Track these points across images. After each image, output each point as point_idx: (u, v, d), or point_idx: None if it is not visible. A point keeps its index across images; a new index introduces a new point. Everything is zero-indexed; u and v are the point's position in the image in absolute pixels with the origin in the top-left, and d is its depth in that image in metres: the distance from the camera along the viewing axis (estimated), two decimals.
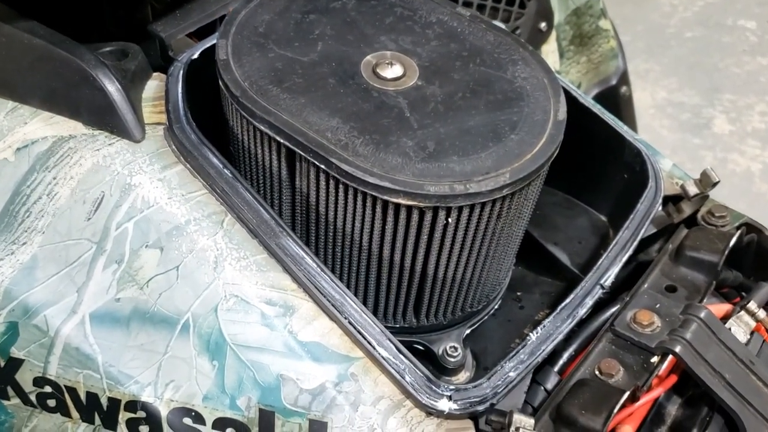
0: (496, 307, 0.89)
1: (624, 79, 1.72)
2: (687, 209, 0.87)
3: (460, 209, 0.69)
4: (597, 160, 0.93)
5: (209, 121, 0.82)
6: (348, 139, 0.70)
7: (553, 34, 1.63)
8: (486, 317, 0.88)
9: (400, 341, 0.83)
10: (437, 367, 0.84)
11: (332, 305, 0.70)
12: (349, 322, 0.69)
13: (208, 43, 0.85)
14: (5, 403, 0.83)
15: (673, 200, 0.89)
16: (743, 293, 0.87)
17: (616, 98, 1.71)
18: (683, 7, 3.65)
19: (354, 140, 0.70)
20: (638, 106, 3.37)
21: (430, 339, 0.84)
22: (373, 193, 0.68)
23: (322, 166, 0.70)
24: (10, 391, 0.82)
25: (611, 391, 0.68)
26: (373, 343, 0.69)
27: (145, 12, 0.98)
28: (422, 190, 0.67)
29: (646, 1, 3.64)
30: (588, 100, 0.92)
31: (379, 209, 0.70)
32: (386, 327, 0.82)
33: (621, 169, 0.91)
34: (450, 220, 0.70)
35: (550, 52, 1.63)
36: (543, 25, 1.59)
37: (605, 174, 0.93)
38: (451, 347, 0.83)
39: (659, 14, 3.63)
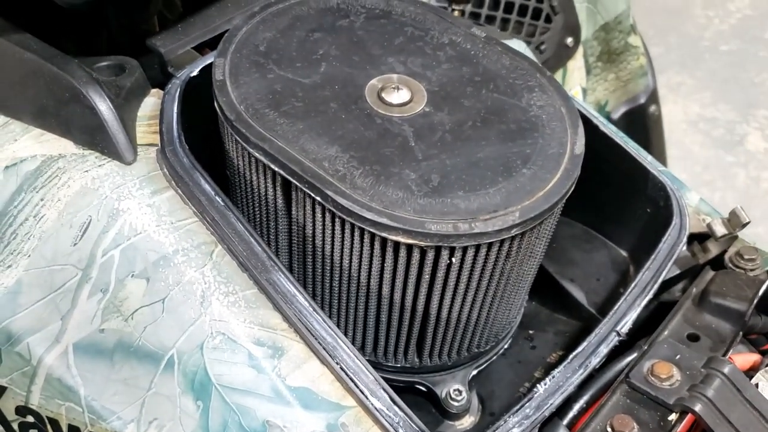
0: (505, 346, 0.84)
1: (653, 97, 1.66)
2: (714, 249, 0.81)
3: (464, 249, 0.64)
4: (618, 192, 0.87)
5: (209, 142, 0.78)
6: (346, 170, 0.65)
7: (580, 50, 1.57)
8: (495, 357, 0.83)
9: (401, 381, 0.79)
10: (440, 410, 0.79)
11: (323, 348, 0.65)
12: (341, 368, 0.64)
13: (208, 59, 0.81)
14: None
15: (698, 238, 0.83)
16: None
17: (644, 117, 1.65)
18: (719, 19, 3.56)
19: (353, 171, 0.65)
20: (669, 121, 3.29)
21: (434, 380, 0.79)
22: (371, 230, 0.64)
23: (318, 198, 0.65)
24: None
25: None
26: (366, 392, 0.64)
27: (151, 23, 0.95)
28: (423, 228, 0.62)
29: (681, 11, 3.55)
30: (610, 128, 0.86)
31: (377, 246, 0.65)
32: (387, 366, 0.78)
33: (644, 202, 0.85)
34: (453, 260, 0.65)
35: (576, 68, 1.57)
36: (570, 40, 1.53)
37: (627, 207, 0.87)
38: (455, 390, 0.78)
39: (694, 26, 3.55)
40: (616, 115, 1.64)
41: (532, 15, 1.49)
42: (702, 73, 3.29)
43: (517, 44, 1.05)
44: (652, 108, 1.66)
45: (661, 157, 1.67)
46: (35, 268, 0.75)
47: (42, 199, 0.75)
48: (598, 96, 1.63)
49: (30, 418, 0.76)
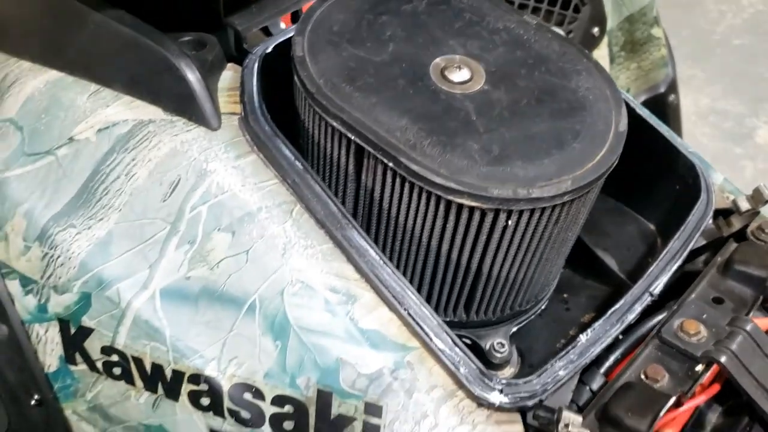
0: (543, 307, 0.92)
1: (673, 87, 1.73)
2: (737, 224, 0.89)
3: (520, 213, 0.72)
4: (651, 170, 0.95)
5: (278, 114, 0.85)
6: (416, 140, 0.73)
7: (605, 40, 1.64)
8: (533, 316, 0.91)
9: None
10: (483, 361, 0.87)
11: (393, 296, 0.74)
12: (408, 314, 0.73)
13: (281, 37, 0.89)
14: (72, 368, 0.88)
15: (723, 214, 0.91)
16: None
17: (664, 106, 1.72)
18: (732, 13, 3.62)
19: (422, 141, 0.73)
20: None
21: (479, 334, 0.87)
22: (438, 193, 0.72)
23: (390, 164, 0.73)
24: (78, 357, 0.87)
25: (657, 395, 0.71)
26: (431, 334, 0.72)
27: (217, 3, 1.02)
28: (486, 192, 0.70)
29: (694, 5, 3.61)
30: (645, 112, 0.94)
31: (442, 208, 0.73)
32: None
33: (674, 180, 0.93)
34: (510, 222, 0.73)
35: (601, 57, 1.64)
36: (596, 30, 1.61)
37: (658, 185, 0.95)
38: (498, 343, 0.86)
39: (706, 20, 3.60)
40: (644, 108, 1.72)
41: (562, 5, 1.56)
42: (713, 66, 3.35)
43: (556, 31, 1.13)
44: (672, 97, 1.73)
45: None
46: (126, 221, 0.83)
47: (133, 159, 0.83)
48: (621, 84, 1.71)
49: (115, 357, 0.84)
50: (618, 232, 0.98)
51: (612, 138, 0.76)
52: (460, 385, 0.72)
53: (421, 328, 0.72)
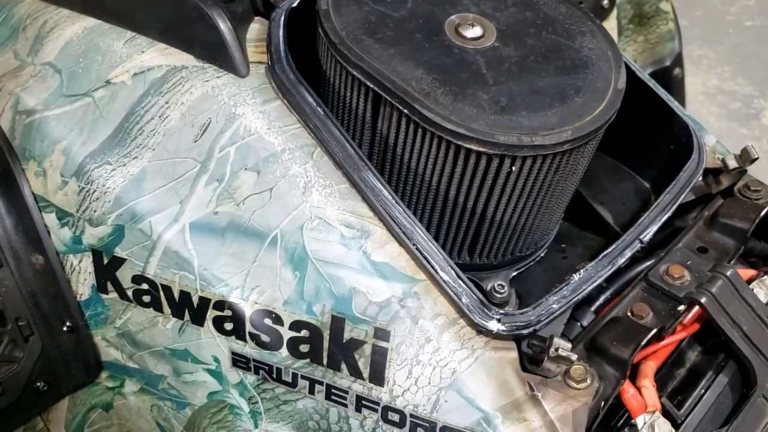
0: (542, 255, 0.99)
1: (678, 61, 1.78)
2: (725, 181, 0.95)
3: (524, 159, 0.79)
4: (647, 130, 1.01)
5: (302, 65, 0.92)
6: (430, 89, 0.80)
7: (614, 12, 1.70)
8: (532, 263, 0.98)
9: None
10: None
11: (402, 232, 0.80)
12: (417, 248, 0.80)
13: None
14: (103, 296, 0.95)
15: (713, 173, 0.97)
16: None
17: (668, 79, 1.78)
18: None
19: (435, 90, 0.80)
20: (688, 92, 3.39)
21: (481, 276, 0.94)
22: (449, 138, 0.78)
23: (405, 111, 0.79)
24: (110, 286, 0.94)
25: (640, 328, 0.78)
26: (436, 267, 0.79)
27: None
28: (493, 138, 0.77)
29: None
30: (644, 75, 1.00)
31: (451, 153, 0.80)
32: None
33: (668, 140, 0.99)
34: (514, 168, 0.80)
35: (609, 29, 1.69)
36: (605, 2, 1.66)
37: (653, 144, 1.01)
38: (498, 285, 0.93)
39: (720, 1, 3.62)
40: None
41: None
42: (724, 47, 3.37)
43: None
44: (676, 71, 1.78)
45: None
46: (158, 159, 0.90)
47: (167, 102, 0.90)
48: (627, 56, 1.76)
49: (144, 286, 0.91)
50: (615, 188, 1.04)
51: (611, 94, 0.82)
52: (462, 313, 0.79)
53: (428, 261, 0.79)
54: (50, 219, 0.96)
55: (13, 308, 0.95)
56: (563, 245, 1.03)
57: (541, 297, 0.96)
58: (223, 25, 0.88)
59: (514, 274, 0.96)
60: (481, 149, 0.78)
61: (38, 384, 1.04)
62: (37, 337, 1.02)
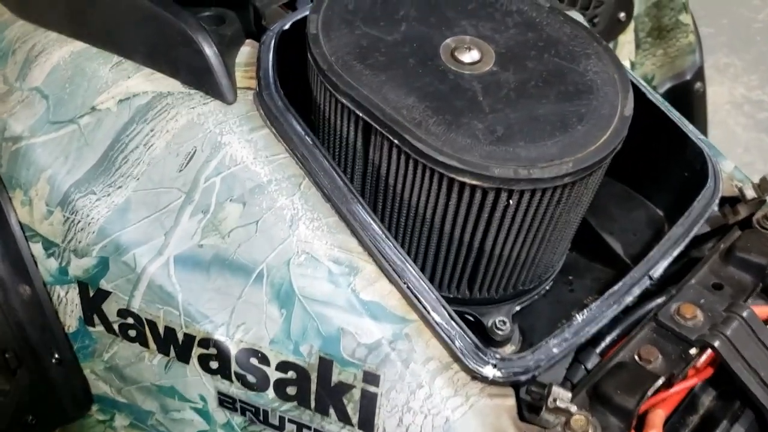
0: (547, 287, 0.94)
1: (699, 75, 1.72)
2: (743, 212, 0.89)
3: (521, 193, 0.74)
4: (659, 155, 0.95)
5: (294, 89, 0.88)
6: (422, 118, 0.75)
7: (631, 25, 1.64)
8: (536, 297, 0.93)
9: (453, 310, 0.90)
10: (485, 338, 0.89)
11: (393, 270, 0.76)
12: (408, 287, 0.75)
13: (299, 15, 0.91)
14: (90, 329, 0.92)
15: (730, 202, 0.92)
16: None
17: (689, 94, 1.71)
18: None
19: (428, 119, 0.75)
20: (714, 102, 3.30)
21: (481, 311, 0.89)
22: (441, 171, 0.74)
23: (396, 141, 0.75)
24: (96, 319, 0.91)
25: (647, 375, 0.72)
26: (428, 308, 0.74)
27: None
28: (487, 171, 0.72)
29: None
30: (656, 97, 0.95)
31: (444, 186, 0.75)
32: (441, 296, 0.88)
33: (682, 166, 0.93)
34: (511, 202, 0.75)
35: (626, 42, 1.64)
36: (622, 15, 1.60)
37: (666, 170, 0.96)
38: (500, 321, 0.88)
39: (747, 8, 3.54)
40: (661, 90, 1.71)
41: None
42: (751, 56, 3.29)
43: (575, 15, 1.13)
44: (698, 85, 1.72)
45: (702, 132, 1.74)
46: (143, 189, 0.86)
47: (152, 130, 0.87)
48: (646, 70, 1.70)
49: (130, 320, 0.88)
50: (625, 216, 0.99)
51: (617, 122, 0.77)
52: (456, 358, 0.74)
53: (420, 301, 0.75)
54: (37, 249, 0.93)
55: None
56: (570, 277, 0.97)
57: (546, 333, 0.91)
58: (209, 50, 0.84)
59: (518, 308, 0.91)
60: (475, 182, 0.73)
61: (27, 418, 1.02)
62: (25, 369, 0.99)
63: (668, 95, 1.71)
